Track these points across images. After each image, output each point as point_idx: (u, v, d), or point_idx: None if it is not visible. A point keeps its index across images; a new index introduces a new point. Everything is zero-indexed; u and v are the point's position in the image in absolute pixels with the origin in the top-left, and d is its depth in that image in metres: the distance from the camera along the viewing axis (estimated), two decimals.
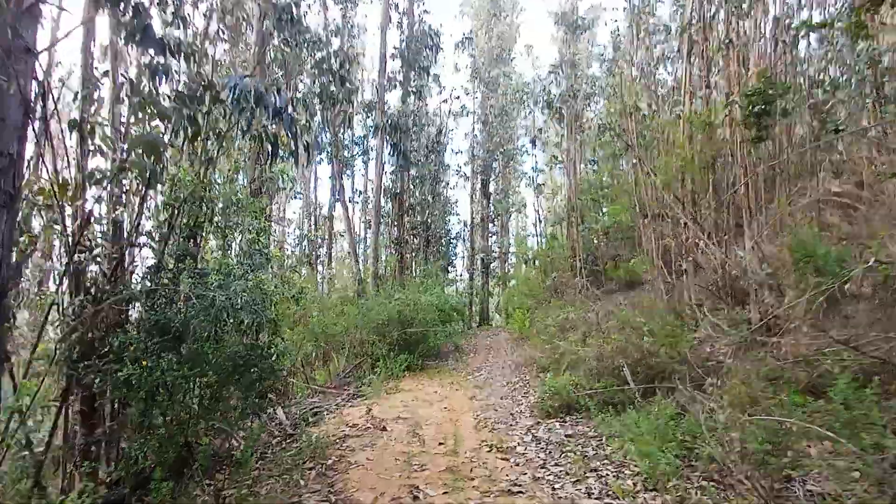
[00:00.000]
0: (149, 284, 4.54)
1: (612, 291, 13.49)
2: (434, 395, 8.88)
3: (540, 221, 19.71)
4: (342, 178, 17.51)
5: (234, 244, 6.57)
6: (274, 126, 5.43)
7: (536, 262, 17.38)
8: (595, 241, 14.89)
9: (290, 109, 5.26)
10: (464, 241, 25.73)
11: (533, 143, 20.13)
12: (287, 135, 5.29)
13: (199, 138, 4.80)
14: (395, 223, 17.27)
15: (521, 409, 7.34)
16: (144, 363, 3.79)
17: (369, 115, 18.33)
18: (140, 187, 4.59)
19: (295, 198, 26.36)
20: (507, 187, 28.77)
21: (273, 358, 5.02)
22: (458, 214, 25.45)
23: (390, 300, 11.84)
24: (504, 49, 27.83)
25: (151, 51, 4.29)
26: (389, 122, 14.72)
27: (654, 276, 9.13)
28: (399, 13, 18.24)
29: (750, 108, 6.51)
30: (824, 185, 7.69)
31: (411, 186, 17.65)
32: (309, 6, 15.03)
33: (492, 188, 28.12)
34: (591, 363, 7.14)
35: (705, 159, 8.07)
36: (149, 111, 4.30)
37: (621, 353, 6.76)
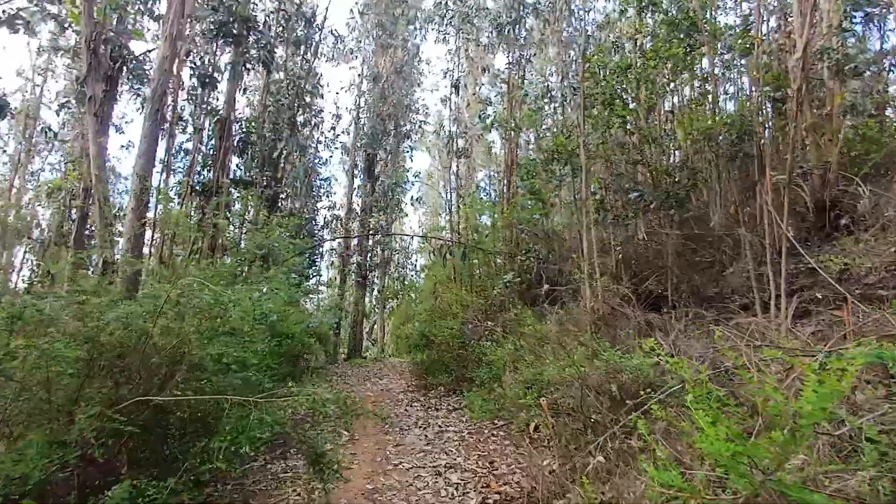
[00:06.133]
0: None
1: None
2: None
3: (458, 201, 12.73)
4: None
5: None
6: None
7: (467, 260, 10.31)
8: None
9: None
10: (334, 231, 17.83)
11: (456, 88, 13.50)
12: None
13: None
14: (215, 153, 8.49)
15: None
16: None
17: None
18: None
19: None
20: (397, 171, 21.51)
21: None
22: (331, 193, 17.62)
23: (107, 301, 3.70)
24: None
25: None
26: None
27: None
28: None
29: None
30: None
31: (260, 72, 8.93)
32: None
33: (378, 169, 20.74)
34: None
35: None
36: None
37: None
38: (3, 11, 11.34)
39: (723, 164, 6.38)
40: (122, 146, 28.99)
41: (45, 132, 11.90)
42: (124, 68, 11.07)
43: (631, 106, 7.29)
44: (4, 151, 20.10)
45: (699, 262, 7.15)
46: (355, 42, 19.03)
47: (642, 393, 3.27)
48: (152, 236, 7.55)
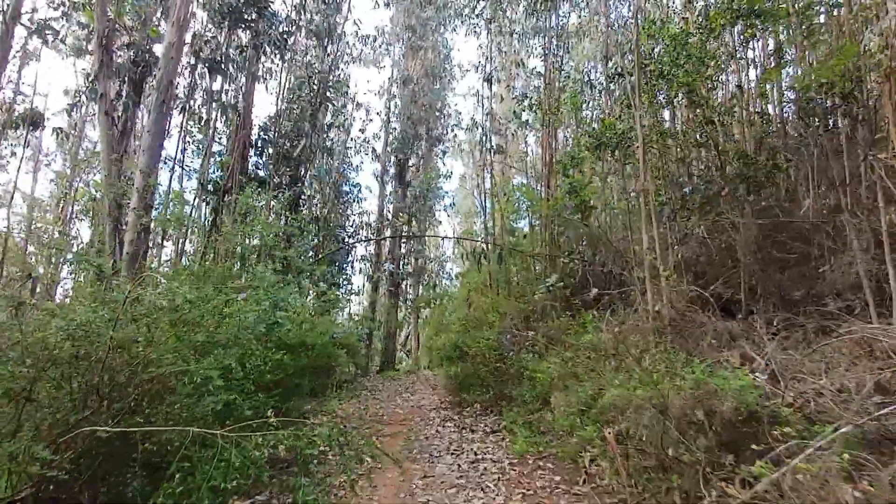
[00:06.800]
0: None
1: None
2: None
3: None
4: None
5: None
6: None
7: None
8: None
9: None
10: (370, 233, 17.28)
11: (488, 81, 12.70)
12: None
13: None
14: (231, 149, 7.73)
15: None
16: None
17: None
18: None
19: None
20: (429, 177, 20.74)
21: None
22: (361, 199, 17.07)
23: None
24: None
25: None
26: None
27: None
28: None
29: None
30: None
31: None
32: None
33: (409, 176, 20.10)
34: None
35: None
36: None
37: None
38: (31, 21, 11.33)
39: (817, 137, 5.22)
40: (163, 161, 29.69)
41: (56, 132, 11.72)
42: (147, 73, 10.83)
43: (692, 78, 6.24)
44: (49, 167, 20.61)
45: (783, 259, 5.98)
46: (384, 45, 18.55)
47: (774, 436, 2.26)
48: (162, 240, 7.03)
